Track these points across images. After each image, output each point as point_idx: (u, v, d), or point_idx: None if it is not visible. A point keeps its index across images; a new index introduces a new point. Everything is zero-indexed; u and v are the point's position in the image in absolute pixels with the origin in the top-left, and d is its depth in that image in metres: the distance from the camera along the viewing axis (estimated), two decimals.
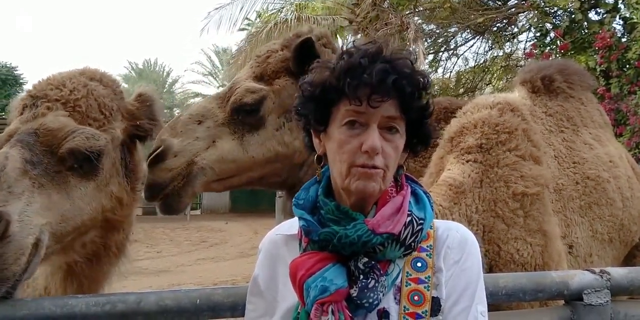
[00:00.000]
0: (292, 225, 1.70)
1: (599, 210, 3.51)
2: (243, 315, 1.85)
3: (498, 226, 2.97)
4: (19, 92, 33.55)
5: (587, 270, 2.60)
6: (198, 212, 29.45)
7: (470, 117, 3.29)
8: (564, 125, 3.74)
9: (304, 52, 3.03)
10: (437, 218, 2.95)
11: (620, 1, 10.57)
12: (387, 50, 1.54)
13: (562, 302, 2.63)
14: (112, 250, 2.43)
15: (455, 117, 3.87)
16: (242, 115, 3.04)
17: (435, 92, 14.17)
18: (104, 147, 2.24)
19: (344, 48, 1.60)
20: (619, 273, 2.62)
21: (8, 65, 31.42)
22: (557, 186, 3.38)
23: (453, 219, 2.92)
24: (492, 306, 2.03)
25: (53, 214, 2.05)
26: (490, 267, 2.95)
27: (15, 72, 32.19)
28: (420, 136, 1.61)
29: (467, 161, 3.11)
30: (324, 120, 1.58)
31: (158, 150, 2.87)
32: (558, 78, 3.83)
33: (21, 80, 32.75)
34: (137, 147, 2.52)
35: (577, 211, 3.42)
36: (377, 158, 1.48)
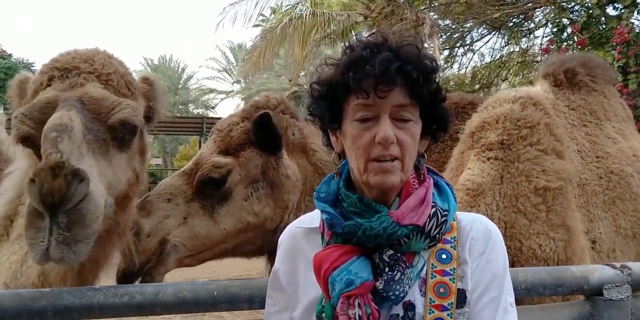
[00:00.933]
0: (312, 218, 1.70)
1: (623, 205, 3.46)
2: (260, 308, 1.84)
3: (520, 221, 2.95)
4: None
5: (608, 265, 2.58)
6: None
7: (492, 112, 3.27)
8: (587, 119, 3.69)
9: (263, 124, 3.13)
10: None
11: None
12: (392, 40, 1.53)
13: (582, 297, 2.61)
14: (119, 230, 2.38)
15: (465, 112, 3.87)
16: (209, 189, 3.09)
17: (451, 88, 14.11)
18: (141, 121, 2.28)
19: (348, 42, 1.60)
20: None
21: (25, 61, 31.67)
22: (580, 181, 3.35)
23: None
24: None
25: (104, 181, 2.05)
26: (512, 263, 2.93)
27: (32, 68, 32.45)
28: (437, 121, 1.60)
29: (488, 159, 3.10)
30: (337, 118, 1.58)
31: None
32: (581, 71, 3.78)
33: None
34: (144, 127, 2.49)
35: (601, 206, 3.37)
36: (392, 147, 1.47)
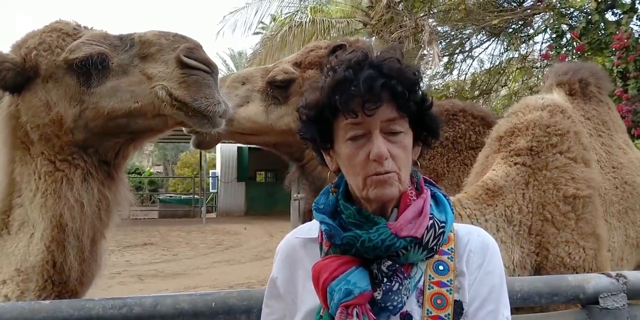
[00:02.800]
0: (311, 228, 1.71)
1: (633, 215, 3.48)
2: (257, 318, 1.85)
3: (548, 230, 2.95)
4: None
5: (603, 273, 2.58)
6: (214, 215, 29.54)
7: (522, 118, 3.28)
8: (600, 129, 3.70)
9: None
10: (462, 219, 2.99)
11: (637, 2, 10.47)
12: (373, 55, 1.55)
13: (579, 305, 2.62)
14: None
15: (457, 119, 3.92)
16: (273, 89, 3.53)
17: (451, 95, 14.10)
18: None
19: (329, 64, 1.61)
20: (636, 276, 2.60)
21: None
22: (600, 190, 3.33)
23: (486, 219, 2.94)
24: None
25: None
26: (537, 270, 2.94)
27: None
28: (427, 129, 1.61)
29: (515, 163, 3.11)
30: (328, 139, 1.59)
31: None
32: (592, 81, 3.79)
33: None
34: None
35: (616, 216, 3.39)
36: (387, 163, 1.49)
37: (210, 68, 2.29)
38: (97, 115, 2.29)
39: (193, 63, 2.25)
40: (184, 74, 2.23)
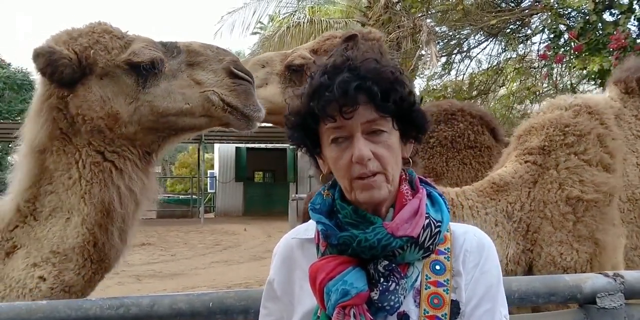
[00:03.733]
0: (307, 229, 1.71)
1: None
2: (255, 319, 1.85)
3: (545, 228, 2.96)
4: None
5: (601, 273, 2.58)
6: (212, 215, 29.53)
7: (542, 118, 3.28)
8: None
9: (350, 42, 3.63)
10: (462, 210, 3.00)
11: (635, 2, 10.48)
12: (353, 57, 1.55)
13: (576, 305, 2.62)
14: None
15: (455, 118, 3.94)
16: (291, 72, 3.71)
17: (449, 95, 14.09)
18: None
19: (309, 72, 1.64)
20: (633, 276, 2.60)
21: (24, 70, 31.70)
22: (633, 195, 3.29)
23: (487, 213, 2.96)
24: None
25: None
26: (529, 266, 2.94)
27: (31, 77, 32.48)
28: (414, 125, 1.61)
29: (526, 162, 3.13)
30: (316, 144, 1.60)
31: None
32: None
33: (37, 86, 32.99)
34: None
35: None
36: (371, 164, 1.49)
37: (251, 79, 2.73)
38: (151, 112, 2.58)
39: (240, 74, 2.67)
40: (234, 83, 2.65)
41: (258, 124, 2.79)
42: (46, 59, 2.48)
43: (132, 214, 2.65)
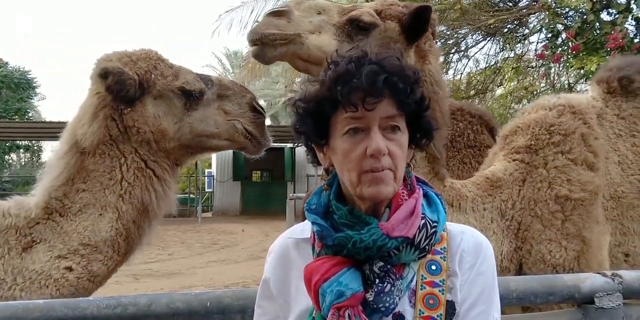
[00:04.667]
0: (304, 229, 1.70)
1: None
2: (252, 318, 1.85)
3: (534, 226, 3.00)
4: (32, 96, 33.81)
5: (599, 273, 2.59)
6: (209, 214, 29.53)
7: (527, 118, 3.33)
8: (636, 129, 3.58)
9: (421, 15, 3.38)
10: (466, 202, 3.02)
11: (632, 1, 10.48)
12: (371, 54, 1.55)
13: (574, 305, 2.62)
14: None
15: (454, 118, 3.98)
16: (353, 28, 3.38)
17: (446, 94, 14.06)
18: None
19: (329, 59, 1.61)
20: (631, 276, 2.61)
21: (21, 69, 31.68)
22: (615, 193, 3.32)
23: (484, 208, 3.01)
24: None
25: None
26: (519, 264, 2.96)
27: (28, 76, 32.46)
28: (422, 130, 1.60)
29: (514, 160, 3.18)
30: (324, 134, 1.58)
31: (281, 9, 3.30)
32: (638, 78, 3.64)
33: (34, 84, 32.97)
34: None
35: (638, 219, 3.32)
36: (384, 159, 1.48)
37: (265, 114, 3.31)
38: (190, 132, 3.11)
39: (260, 109, 3.25)
40: (254, 117, 3.20)
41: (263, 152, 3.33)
42: (116, 78, 2.89)
43: (160, 216, 3.13)
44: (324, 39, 3.34)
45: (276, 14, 3.24)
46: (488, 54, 15.51)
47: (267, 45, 3.20)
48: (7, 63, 31.38)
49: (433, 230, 1.53)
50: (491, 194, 3.06)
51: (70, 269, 2.85)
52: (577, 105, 3.34)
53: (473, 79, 15.71)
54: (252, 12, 17.38)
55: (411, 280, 1.53)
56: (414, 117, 1.56)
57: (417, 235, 1.49)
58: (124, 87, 2.93)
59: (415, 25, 3.37)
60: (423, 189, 1.63)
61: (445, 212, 1.62)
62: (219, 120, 3.18)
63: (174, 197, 3.24)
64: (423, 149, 1.69)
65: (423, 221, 1.52)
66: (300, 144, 1.70)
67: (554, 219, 3.01)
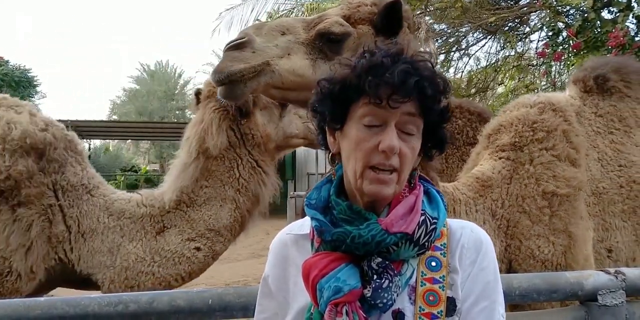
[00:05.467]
0: (303, 225, 1.70)
1: None
2: (254, 316, 1.84)
3: (523, 222, 3.02)
4: (32, 95, 33.80)
5: (602, 270, 2.59)
6: None
7: (509, 115, 3.36)
8: (614, 126, 3.64)
9: (393, 11, 3.15)
10: (460, 205, 3.02)
11: (633, 0, 10.47)
12: (408, 52, 1.52)
13: (577, 302, 2.61)
14: None
15: (454, 115, 3.97)
16: (324, 42, 3.14)
17: (450, 104, 14.03)
18: None
19: (367, 46, 1.58)
20: (635, 273, 2.60)
21: (22, 67, 31.65)
22: (597, 189, 3.35)
23: (477, 210, 3.03)
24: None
25: None
26: (509, 262, 2.98)
27: (29, 74, 32.42)
28: (436, 140, 1.59)
29: (500, 158, 3.19)
30: (341, 118, 1.56)
31: (240, 40, 3.03)
32: (613, 77, 3.72)
33: (35, 82, 32.95)
34: None
35: (619, 215, 3.36)
36: (394, 158, 1.47)
37: None
38: (283, 135, 4.03)
39: None
40: None
41: None
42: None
43: (266, 204, 4.03)
44: (295, 61, 3.13)
45: (237, 46, 3.00)
46: (489, 52, 15.51)
47: (235, 83, 2.99)
48: (7, 61, 31.34)
49: (433, 226, 1.52)
50: (482, 194, 3.07)
51: (198, 249, 3.70)
52: (557, 102, 3.39)
53: (474, 77, 15.71)
54: (252, 10, 17.40)
55: (410, 277, 1.51)
56: (432, 126, 1.55)
57: (416, 231, 1.49)
58: (245, 103, 3.81)
59: (389, 24, 3.18)
60: (424, 186, 1.62)
61: (446, 209, 1.61)
62: (298, 124, 4.07)
63: (276, 187, 4.09)
64: (431, 159, 1.67)
65: (423, 217, 1.51)
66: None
67: (541, 214, 3.03)
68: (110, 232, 3.61)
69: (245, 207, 3.85)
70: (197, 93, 4.26)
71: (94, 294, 2.26)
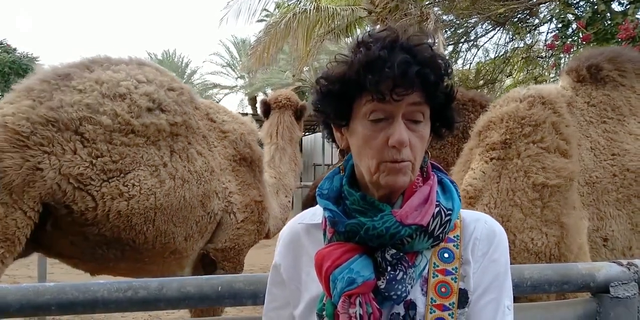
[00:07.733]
0: (314, 214, 1.67)
1: (639, 203, 3.42)
2: (264, 304, 1.83)
3: (515, 215, 3.01)
4: None
5: (614, 262, 2.56)
6: None
7: (498, 111, 3.34)
8: (607, 115, 3.63)
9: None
10: None
11: None
12: (403, 37, 1.47)
13: (588, 294, 2.60)
14: None
15: (466, 108, 4.13)
16: None
17: (455, 84, 14.02)
18: None
19: (360, 38, 1.52)
20: None
21: (29, 55, 31.65)
22: (590, 179, 3.35)
23: None
24: (515, 298, 2.01)
25: None
26: None
27: (37, 62, 32.41)
28: (445, 120, 1.56)
29: (491, 159, 3.17)
30: (346, 116, 1.52)
31: None
32: (606, 66, 3.72)
33: None
34: None
35: (613, 204, 3.35)
36: (405, 151, 1.43)
37: None
38: None
39: None
40: None
41: None
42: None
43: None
44: None
45: None
46: (497, 44, 15.49)
47: None
48: (15, 49, 31.34)
49: (447, 218, 1.49)
50: (471, 203, 3.08)
51: None
52: (546, 95, 3.37)
53: (482, 68, 15.66)
54: (260, 0, 17.34)
55: (423, 268, 1.49)
56: (439, 108, 1.51)
57: (431, 222, 1.46)
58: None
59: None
60: (438, 176, 1.59)
61: (460, 199, 1.58)
62: None
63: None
64: (442, 138, 1.63)
65: (437, 209, 1.48)
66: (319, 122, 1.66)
67: (533, 206, 3.03)
68: None
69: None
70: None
71: (103, 280, 2.25)
